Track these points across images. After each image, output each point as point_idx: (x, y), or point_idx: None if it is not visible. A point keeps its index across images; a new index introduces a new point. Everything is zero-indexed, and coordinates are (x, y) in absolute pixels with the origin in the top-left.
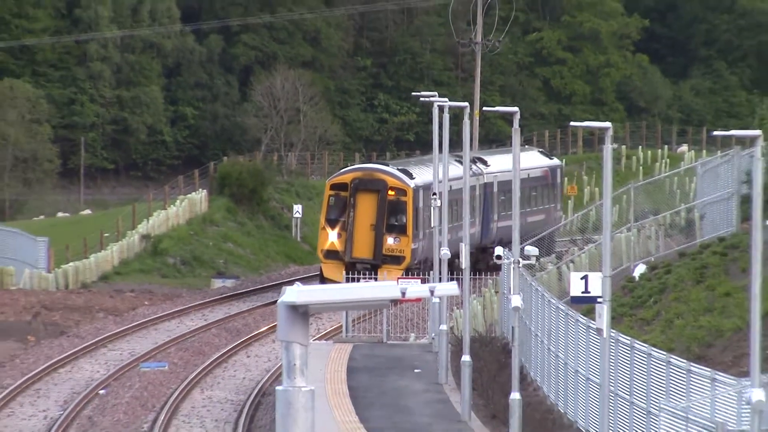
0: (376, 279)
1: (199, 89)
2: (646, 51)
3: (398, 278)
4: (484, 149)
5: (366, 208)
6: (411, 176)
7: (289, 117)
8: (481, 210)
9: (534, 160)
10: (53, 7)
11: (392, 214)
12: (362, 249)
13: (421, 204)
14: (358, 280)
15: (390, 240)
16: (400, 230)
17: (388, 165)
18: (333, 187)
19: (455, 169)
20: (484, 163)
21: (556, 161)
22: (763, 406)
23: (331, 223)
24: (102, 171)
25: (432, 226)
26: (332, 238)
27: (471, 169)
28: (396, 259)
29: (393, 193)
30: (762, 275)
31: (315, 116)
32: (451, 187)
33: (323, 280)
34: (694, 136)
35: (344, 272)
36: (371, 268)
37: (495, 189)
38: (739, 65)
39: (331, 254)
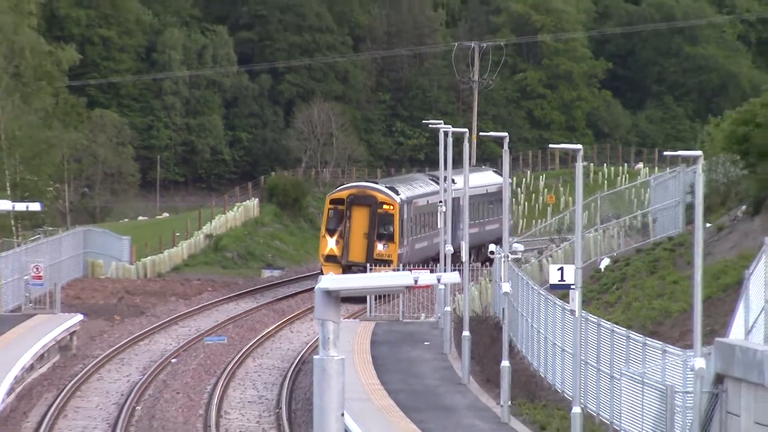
0: None
1: (252, 118)
2: (609, 87)
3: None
4: (477, 166)
5: (360, 219)
6: (397, 192)
7: (324, 140)
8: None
9: (490, 179)
10: (135, 52)
11: (381, 224)
12: (357, 254)
13: (405, 216)
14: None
15: (380, 246)
16: (388, 238)
17: (377, 183)
18: (332, 201)
19: (431, 187)
20: (452, 181)
21: (504, 180)
22: (703, 372)
23: (330, 232)
24: (174, 183)
25: (414, 234)
26: (331, 244)
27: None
28: (385, 263)
29: (382, 207)
30: (702, 267)
31: (345, 140)
32: (428, 201)
33: None
34: (648, 156)
35: (341, 273)
36: (364, 270)
37: (461, 203)
38: (684, 99)
39: (330, 258)
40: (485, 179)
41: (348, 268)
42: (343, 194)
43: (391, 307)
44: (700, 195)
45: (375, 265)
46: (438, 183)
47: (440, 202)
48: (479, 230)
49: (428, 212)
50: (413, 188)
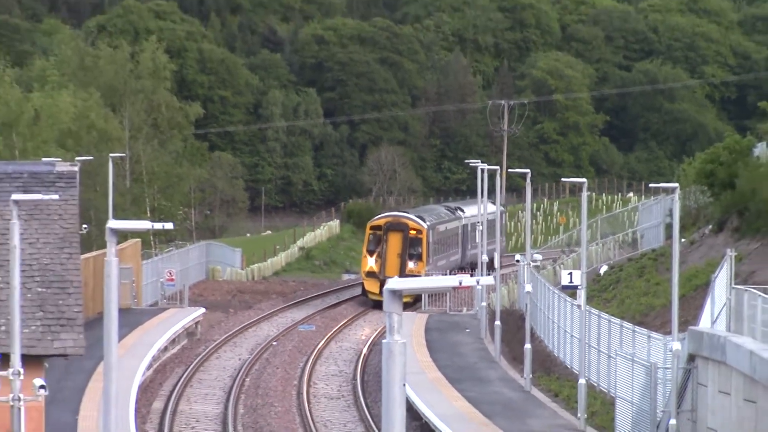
0: None
1: (334, 158)
2: (607, 135)
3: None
4: (507, 197)
5: (394, 242)
6: (424, 220)
7: (389, 175)
8: (461, 243)
9: (488, 208)
10: (245, 108)
11: (412, 246)
12: (392, 270)
13: (430, 239)
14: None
15: (410, 264)
16: (417, 257)
17: (408, 213)
18: (372, 228)
19: (449, 216)
20: (462, 210)
21: (502, 208)
22: (679, 353)
23: (370, 253)
24: (275, 207)
25: (437, 254)
26: (371, 263)
27: (455, 214)
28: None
29: (412, 232)
30: (678, 272)
31: (405, 175)
32: (446, 227)
33: (364, 292)
34: (637, 187)
35: (379, 287)
36: None
37: (469, 229)
38: (664, 144)
39: (370, 274)
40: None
41: (384, 282)
42: (381, 222)
43: (440, 303)
44: (677, 217)
45: None
46: (452, 213)
47: (479, 222)
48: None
49: (446, 236)
50: (435, 217)
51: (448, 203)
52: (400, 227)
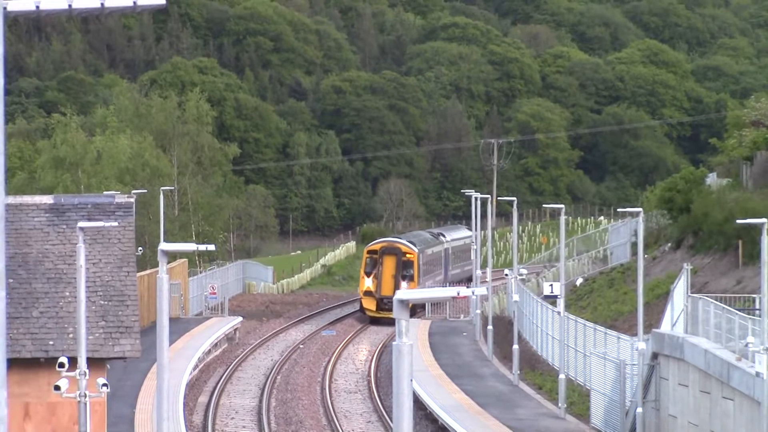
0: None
1: (350, 190)
2: (582, 168)
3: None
4: (454, 225)
5: (389, 264)
6: (415, 245)
7: (397, 203)
8: (444, 264)
9: (464, 233)
10: (275, 147)
11: (404, 268)
12: (387, 290)
13: (421, 262)
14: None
15: (403, 284)
16: (410, 278)
17: (401, 238)
18: (369, 252)
19: (434, 241)
20: (444, 236)
21: (470, 233)
22: (644, 351)
23: (368, 274)
24: (301, 231)
25: (426, 275)
26: (368, 283)
27: (438, 239)
28: None
29: (405, 256)
30: (642, 283)
31: (410, 203)
32: (432, 251)
33: (362, 309)
34: (606, 212)
35: (376, 304)
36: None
37: (450, 252)
38: (630, 175)
39: (368, 293)
40: (461, 234)
41: (380, 300)
42: (377, 247)
43: (441, 310)
44: (641, 236)
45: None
46: (436, 238)
47: (473, 242)
48: (460, 271)
49: (433, 258)
50: (423, 242)
51: (432, 229)
52: (394, 251)
